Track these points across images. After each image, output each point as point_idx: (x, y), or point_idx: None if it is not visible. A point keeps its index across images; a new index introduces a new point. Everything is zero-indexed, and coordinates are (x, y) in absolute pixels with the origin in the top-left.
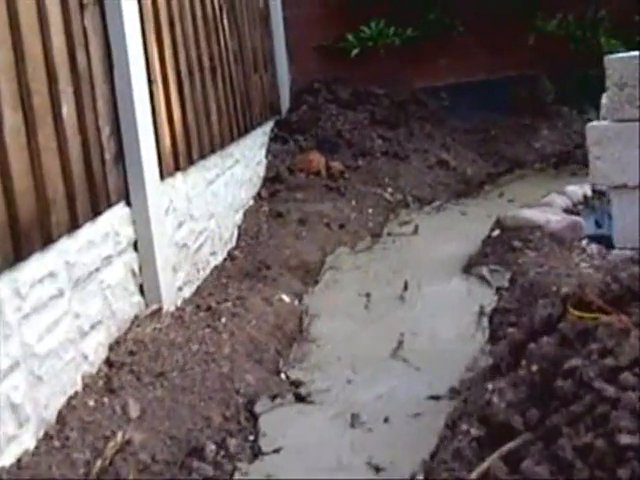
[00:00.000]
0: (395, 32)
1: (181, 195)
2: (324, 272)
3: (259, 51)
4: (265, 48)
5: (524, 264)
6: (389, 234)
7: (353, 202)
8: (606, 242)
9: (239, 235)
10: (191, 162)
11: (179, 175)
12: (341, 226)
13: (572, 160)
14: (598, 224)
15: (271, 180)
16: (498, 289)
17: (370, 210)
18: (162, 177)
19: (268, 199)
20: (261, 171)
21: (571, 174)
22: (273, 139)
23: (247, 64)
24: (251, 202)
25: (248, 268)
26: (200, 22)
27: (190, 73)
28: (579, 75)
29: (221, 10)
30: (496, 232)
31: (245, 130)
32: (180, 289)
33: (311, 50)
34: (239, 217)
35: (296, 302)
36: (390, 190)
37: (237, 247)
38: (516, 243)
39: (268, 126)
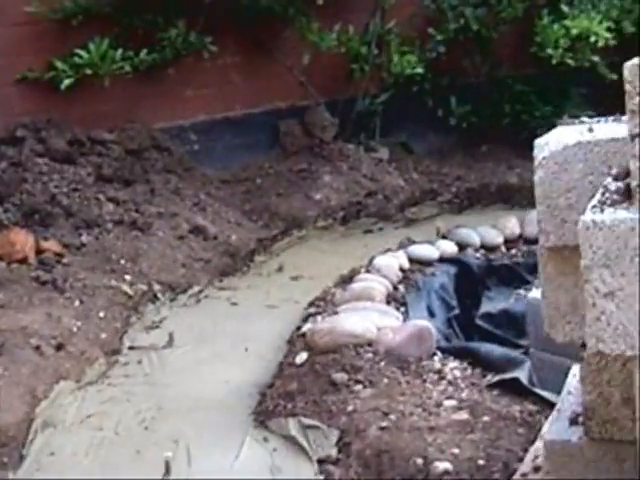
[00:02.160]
0: (124, 56)
1: None
2: (32, 439)
3: None
4: None
5: (357, 413)
6: (132, 348)
7: (76, 302)
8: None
9: None
10: None
11: None
12: (59, 347)
13: (364, 213)
14: (431, 312)
15: None
16: (321, 462)
17: (102, 313)
18: None
19: None
20: None
21: (365, 231)
22: None
23: None
24: None
25: None
26: None
27: None
28: (366, 102)
29: None
30: (302, 356)
31: None
32: None
33: (11, 84)
34: None
35: None
36: (129, 278)
37: None
38: (337, 375)
39: None
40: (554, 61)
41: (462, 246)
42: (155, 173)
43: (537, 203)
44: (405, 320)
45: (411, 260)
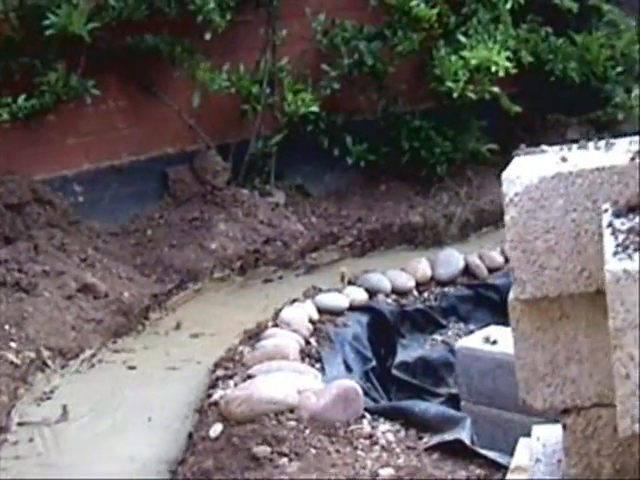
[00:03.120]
0: (0, 102)
1: None
2: None
3: None
4: None
5: None
6: (22, 424)
7: None
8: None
9: None
10: None
11: None
12: None
13: (263, 261)
14: (348, 366)
15: None
16: None
17: None
18: None
19: None
20: None
21: (264, 281)
22: None
23: None
24: None
25: None
26: None
27: None
28: (259, 144)
29: None
30: (216, 428)
31: None
32: None
33: None
34: None
35: None
36: (14, 345)
37: None
38: (258, 448)
39: None
40: (455, 94)
41: (372, 292)
42: (38, 228)
43: (509, 247)
44: (323, 378)
45: (320, 310)
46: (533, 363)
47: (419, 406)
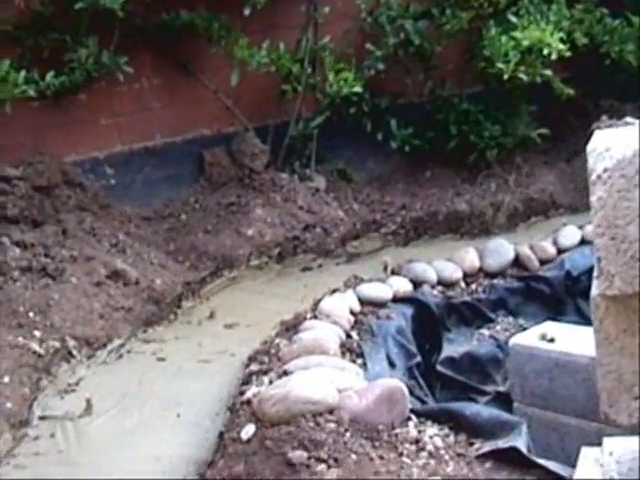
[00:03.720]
0: (27, 79)
1: None
2: None
3: None
4: None
5: None
6: (44, 418)
7: None
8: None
9: None
10: None
11: None
12: None
13: (301, 248)
14: (391, 362)
15: None
16: None
17: (6, 377)
18: None
19: None
20: None
21: (303, 269)
22: None
23: None
24: None
25: None
26: None
27: None
28: (299, 127)
29: None
30: (249, 429)
31: None
32: None
33: None
34: None
35: None
36: (39, 334)
37: None
38: (294, 453)
39: None
40: (505, 76)
41: (417, 283)
42: (67, 212)
43: (595, 234)
44: (365, 374)
45: (361, 301)
46: (618, 371)
47: (470, 409)
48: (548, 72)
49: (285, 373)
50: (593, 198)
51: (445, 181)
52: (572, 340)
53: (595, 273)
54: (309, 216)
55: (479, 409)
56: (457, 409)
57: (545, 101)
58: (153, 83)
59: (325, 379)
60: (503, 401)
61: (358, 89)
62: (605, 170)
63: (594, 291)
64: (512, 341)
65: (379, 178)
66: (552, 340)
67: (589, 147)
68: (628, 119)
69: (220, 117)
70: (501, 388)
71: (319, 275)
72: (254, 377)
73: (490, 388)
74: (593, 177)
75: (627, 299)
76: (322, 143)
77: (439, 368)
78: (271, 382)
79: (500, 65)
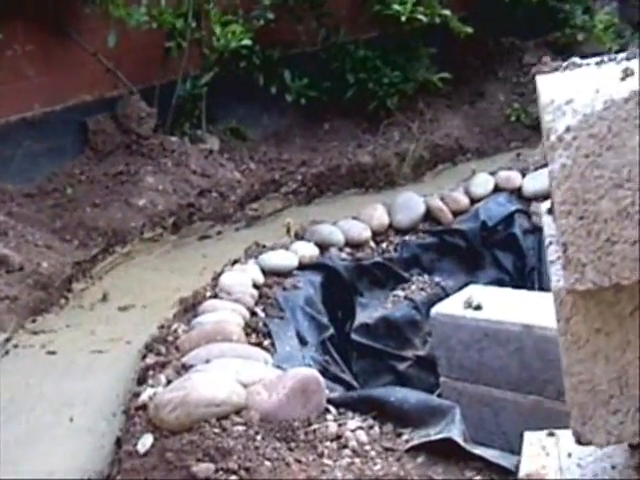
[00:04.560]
0: None
1: None
2: None
3: None
4: None
5: None
6: None
7: None
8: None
9: None
10: None
11: None
12: None
13: (198, 216)
14: (301, 339)
15: None
16: None
17: None
18: None
19: None
20: None
21: (200, 238)
22: None
23: None
24: None
25: None
26: None
27: None
28: (187, 86)
29: None
30: (146, 440)
31: None
32: None
33: None
34: None
35: None
36: None
37: None
38: (199, 466)
39: None
40: (403, 18)
41: (323, 246)
42: None
43: (558, 213)
44: (274, 358)
45: (265, 272)
46: (592, 381)
47: (395, 394)
48: (447, 12)
49: (184, 367)
50: (554, 166)
51: (345, 133)
52: (500, 306)
53: (557, 263)
54: (204, 180)
55: (405, 394)
56: (380, 395)
57: (444, 43)
58: (26, 49)
59: (229, 374)
60: (425, 367)
61: (247, 41)
62: (568, 129)
63: (556, 285)
64: (434, 310)
65: (275, 134)
66: (479, 307)
67: (542, 99)
68: (575, 59)
69: (102, 81)
70: (421, 352)
71: (218, 243)
72: (150, 372)
73: (410, 353)
74: (552, 139)
75: (600, 292)
76: (212, 101)
77: (354, 337)
78: (169, 381)
79: (397, 7)
